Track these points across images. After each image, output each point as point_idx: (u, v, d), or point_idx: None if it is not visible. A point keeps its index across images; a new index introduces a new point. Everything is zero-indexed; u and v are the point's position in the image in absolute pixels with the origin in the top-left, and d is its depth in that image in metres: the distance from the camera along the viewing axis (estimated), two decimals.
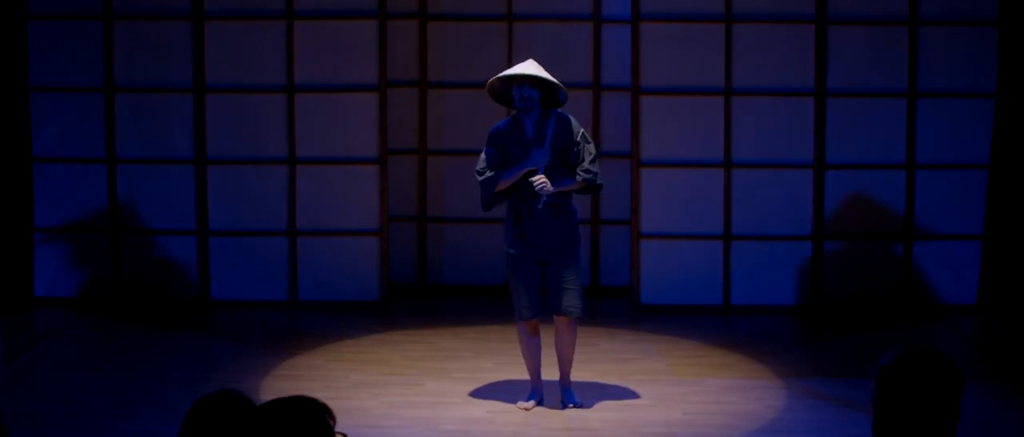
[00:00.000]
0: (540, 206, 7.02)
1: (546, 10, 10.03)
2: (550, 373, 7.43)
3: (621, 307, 9.71)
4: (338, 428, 2.96)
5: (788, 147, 9.47)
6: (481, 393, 7.55)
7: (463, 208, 10.08)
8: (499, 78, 7.19)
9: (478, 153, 7.29)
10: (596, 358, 8.29)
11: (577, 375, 7.78)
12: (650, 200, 9.50)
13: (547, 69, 10.31)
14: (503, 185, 7.09)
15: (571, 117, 7.18)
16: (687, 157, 9.49)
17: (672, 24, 9.41)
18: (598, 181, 7.14)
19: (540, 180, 6.99)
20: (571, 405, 7.23)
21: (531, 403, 7.27)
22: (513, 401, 7.37)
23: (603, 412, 7.25)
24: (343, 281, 9.59)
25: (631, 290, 9.60)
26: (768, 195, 9.48)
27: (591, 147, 7.14)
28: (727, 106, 9.44)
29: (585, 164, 7.08)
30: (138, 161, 9.55)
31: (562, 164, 7.10)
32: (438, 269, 10.23)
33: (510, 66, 9.93)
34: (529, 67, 7.12)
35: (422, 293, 10.19)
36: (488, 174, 7.10)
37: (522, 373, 7.51)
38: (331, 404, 3.01)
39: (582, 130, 7.16)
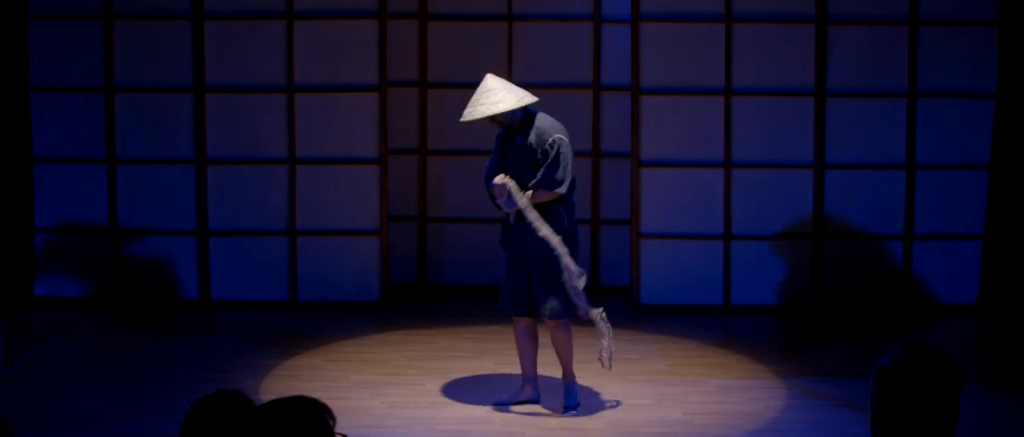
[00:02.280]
0: (512, 221, 7.01)
1: (546, 10, 10.02)
2: (553, 373, 7.43)
3: (621, 307, 9.70)
4: (338, 428, 2.96)
5: (788, 147, 9.47)
6: (481, 393, 7.55)
7: (463, 208, 10.08)
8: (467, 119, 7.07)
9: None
10: (596, 358, 8.28)
11: (577, 375, 7.79)
12: (650, 200, 9.50)
13: (547, 69, 10.31)
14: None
15: (547, 124, 7.03)
16: (687, 157, 9.49)
17: (672, 24, 9.41)
18: (554, 189, 6.94)
19: (502, 194, 6.95)
20: (567, 406, 7.21)
21: (522, 398, 7.29)
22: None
23: (603, 412, 7.25)
24: (343, 281, 9.59)
25: (631, 290, 9.60)
26: (768, 195, 9.48)
27: (557, 154, 6.94)
28: (727, 106, 9.44)
29: (539, 174, 6.95)
30: (138, 161, 9.55)
31: (535, 170, 7.01)
32: (438, 269, 10.23)
33: (510, 66, 9.97)
34: (478, 104, 6.96)
35: (422, 293, 10.19)
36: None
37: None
38: (331, 404, 3.01)
39: (555, 136, 6.99)
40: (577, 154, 9.84)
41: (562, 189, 6.97)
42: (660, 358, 8.34)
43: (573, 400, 7.26)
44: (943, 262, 9.51)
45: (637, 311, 9.50)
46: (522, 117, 7.03)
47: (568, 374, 7.29)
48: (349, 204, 9.57)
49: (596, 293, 10.03)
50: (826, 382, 7.79)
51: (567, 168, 6.96)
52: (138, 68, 9.49)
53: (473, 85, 7.15)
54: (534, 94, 7.16)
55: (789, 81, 9.42)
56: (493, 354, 8.35)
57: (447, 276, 10.21)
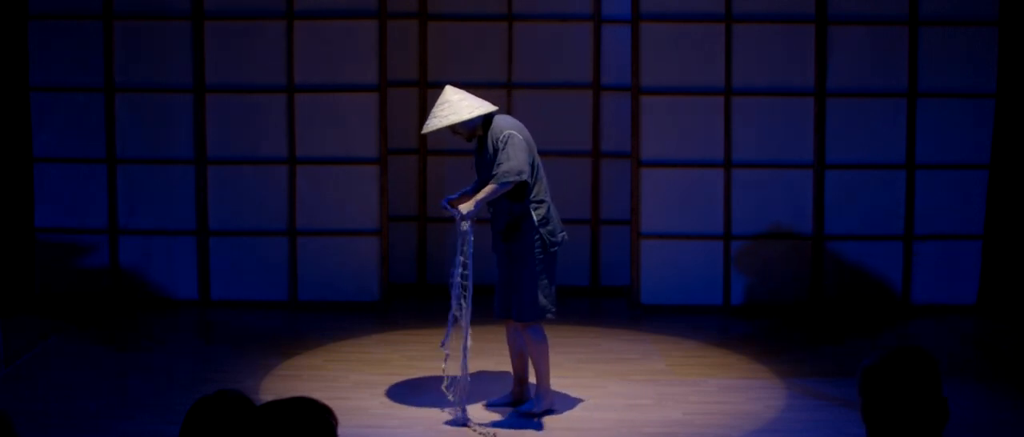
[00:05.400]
0: (463, 227, 6.91)
1: (546, 10, 10.03)
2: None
3: (621, 307, 9.71)
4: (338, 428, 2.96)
5: (788, 147, 9.47)
6: (481, 393, 7.54)
7: None
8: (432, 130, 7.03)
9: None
10: (596, 358, 8.29)
11: (577, 375, 7.80)
12: (650, 200, 9.50)
13: (547, 69, 10.31)
14: None
15: (501, 123, 6.95)
16: (687, 157, 9.49)
17: (672, 24, 9.41)
18: (509, 179, 6.81)
19: (458, 215, 6.92)
20: (524, 411, 7.13)
21: (512, 399, 7.27)
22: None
23: (603, 412, 7.25)
24: (343, 281, 9.59)
25: (631, 290, 9.60)
26: (768, 195, 9.48)
27: (505, 144, 6.86)
28: (727, 106, 9.44)
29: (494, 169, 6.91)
30: (138, 161, 9.55)
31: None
32: (438, 269, 10.22)
33: (510, 66, 9.97)
34: (433, 116, 6.95)
35: (422, 293, 10.19)
36: None
37: None
38: (331, 404, 3.01)
39: (502, 134, 6.89)
40: (577, 154, 9.95)
41: (523, 176, 6.83)
42: (660, 358, 8.35)
43: (531, 407, 7.14)
44: (943, 262, 9.51)
45: (637, 311, 9.50)
46: (481, 124, 6.97)
47: (539, 381, 7.16)
48: (349, 204, 9.57)
49: (596, 293, 10.06)
50: (826, 382, 7.79)
51: (519, 156, 6.82)
52: (138, 68, 9.49)
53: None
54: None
55: (789, 81, 9.42)
56: (493, 354, 8.34)
57: (447, 276, 10.19)
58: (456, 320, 7.00)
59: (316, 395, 3.04)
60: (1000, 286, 9.54)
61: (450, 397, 7.05)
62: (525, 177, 6.86)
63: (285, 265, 9.61)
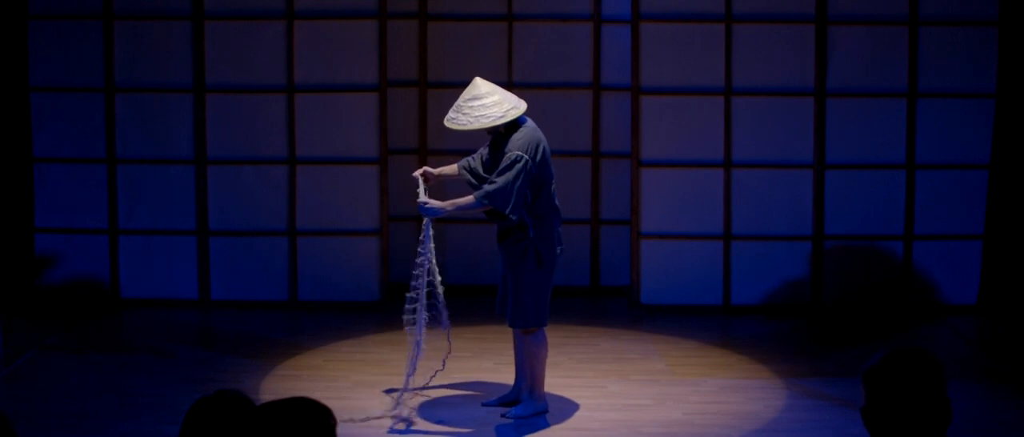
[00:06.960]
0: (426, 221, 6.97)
1: (546, 10, 10.02)
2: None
3: (621, 307, 9.71)
4: (338, 429, 2.97)
5: (788, 147, 9.47)
6: (481, 394, 7.55)
7: None
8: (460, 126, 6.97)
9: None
10: (596, 358, 8.29)
11: (577, 375, 7.80)
12: (650, 200, 9.50)
13: (547, 69, 10.31)
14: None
15: (520, 137, 6.84)
16: (687, 157, 9.49)
17: (672, 24, 9.41)
18: (482, 197, 6.77)
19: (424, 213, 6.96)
20: (513, 414, 7.12)
21: (509, 399, 7.27)
22: None
23: (603, 412, 7.25)
24: (343, 281, 9.58)
25: (631, 290, 9.60)
26: (768, 195, 9.48)
27: (507, 166, 6.76)
28: (727, 106, 9.44)
29: (485, 185, 6.85)
30: (138, 161, 9.54)
31: None
32: (438, 269, 10.20)
33: (510, 66, 9.97)
34: (461, 112, 6.89)
35: None
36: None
37: None
38: (331, 404, 3.01)
39: (516, 153, 6.77)
40: (576, 154, 9.94)
41: (508, 212, 6.75)
42: (660, 358, 8.35)
43: (520, 411, 7.12)
44: (943, 262, 9.51)
45: (637, 311, 9.50)
46: (507, 124, 6.89)
47: (532, 385, 7.12)
48: (349, 204, 9.57)
49: (596, 293, 10.06)
50: (826, 382, 7.79)
51: (518, 189, 6.71)
52: (138, 68, 9.49)
53: None
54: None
55: (789, 81, 9.42)
56: (493, 354, 8.36)
57: (447, 276, 10.15)
58: (416, 324, 6.98)
59: (316, 395, 3.05)
60: (1000, 286, 9.54)
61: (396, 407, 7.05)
62: (510, 215, 6.75)
63: (285, 265, 9.61)
